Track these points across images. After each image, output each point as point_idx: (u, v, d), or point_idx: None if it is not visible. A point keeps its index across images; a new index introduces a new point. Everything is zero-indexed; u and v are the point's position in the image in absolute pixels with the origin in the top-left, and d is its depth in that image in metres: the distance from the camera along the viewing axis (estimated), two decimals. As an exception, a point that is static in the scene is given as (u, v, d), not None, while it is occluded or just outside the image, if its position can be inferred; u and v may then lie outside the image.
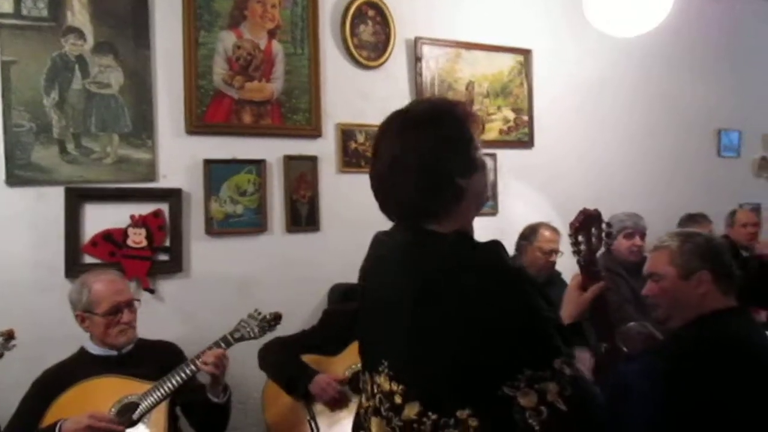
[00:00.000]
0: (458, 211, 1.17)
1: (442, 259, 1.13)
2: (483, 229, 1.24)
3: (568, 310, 1.54)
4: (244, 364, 2.49)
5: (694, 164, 4.53)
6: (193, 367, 2.10)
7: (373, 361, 1.23)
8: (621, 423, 1.48)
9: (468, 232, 1.20)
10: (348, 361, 2.36)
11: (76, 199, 2.58)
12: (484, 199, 1.27)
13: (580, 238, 1.59)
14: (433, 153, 1.14)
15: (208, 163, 2.81)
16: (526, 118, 3.72)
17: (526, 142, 3.73)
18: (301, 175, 3.02)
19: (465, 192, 1.16)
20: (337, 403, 2.28)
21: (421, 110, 1.22)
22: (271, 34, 2.98)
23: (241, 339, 2.23)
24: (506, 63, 3.65)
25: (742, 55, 4.78)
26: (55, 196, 2.56)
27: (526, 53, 3.71)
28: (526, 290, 1.09)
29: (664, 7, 3.16)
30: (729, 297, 1.79)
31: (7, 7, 2.50)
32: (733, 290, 1.80)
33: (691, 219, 3.91)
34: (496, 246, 1.15)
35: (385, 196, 1.21)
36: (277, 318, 2.31)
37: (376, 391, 1.21)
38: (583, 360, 1.36)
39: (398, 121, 1.21)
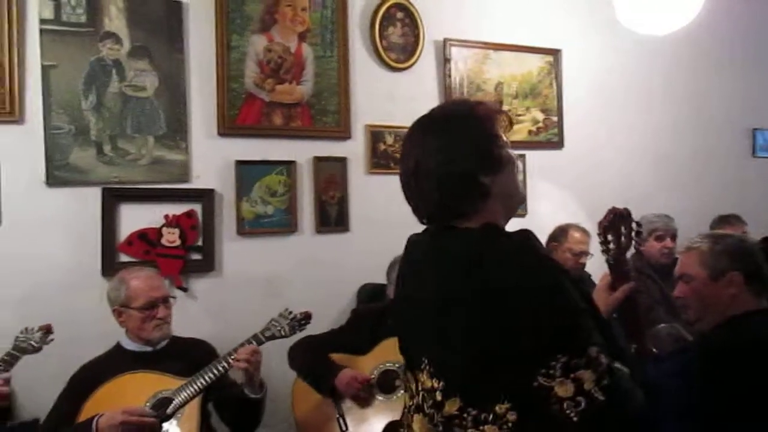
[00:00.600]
0: (485, 209, 1.18)
1: (470, 250, 1.14)
2: (512, 230, 1.25)
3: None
4: (274, 362, 2.52)
5: (727, 164, 4.45)
6: (225, 363, 2.14)
7: (414, 360, 1.24)
8: (651, 423, 1.48)
9: (497, 225, 1.19)
10: (376, 360, 2.38)
11: (113, 199, 2.65)
12: (518, 200, 1.26)
13: (609, 237, 1.59)
14: (453, 153, 1.16)
15: (239, 164, 2.87)
16: (555, 118, 3.70)
17: (555, 142, 3.71)
18: (331, 176, 3.06)
19: (490, 190, 1.17)
20: (361, 400, 2.31)
21: (442, 113, 1.24)
22: (301, 37, 3.02)
23: (272, 337, 2.26)
24: (535, 63, 3.64)
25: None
26: (93, 196, 2.63)
27: (555, 53, 3.69)
28: (557, 277, 1.07)
29: (695, 5, 3.13)
30: (761, 299, 1.77)
31: (48, 14, 2.57)
32: (765, 292, 1.78)
33: (723, 220, 3.84)
34: (526, 233, 1.14)
35: (413, 199, 1.23)
36: (307, 317, 2.34)
37: (420, 388, 1.22)
38: None
39: (420, 125, 1.23)
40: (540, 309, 1.04)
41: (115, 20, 2.68)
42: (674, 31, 3.30)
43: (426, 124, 1.23)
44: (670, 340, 1.93)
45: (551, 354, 1.02)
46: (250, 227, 2.89)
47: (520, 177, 3.60)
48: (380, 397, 2.33)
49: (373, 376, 2.36)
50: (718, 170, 4.38)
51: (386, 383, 2.35)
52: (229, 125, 2.86)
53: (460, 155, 1.16)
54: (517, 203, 1.27)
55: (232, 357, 2.14)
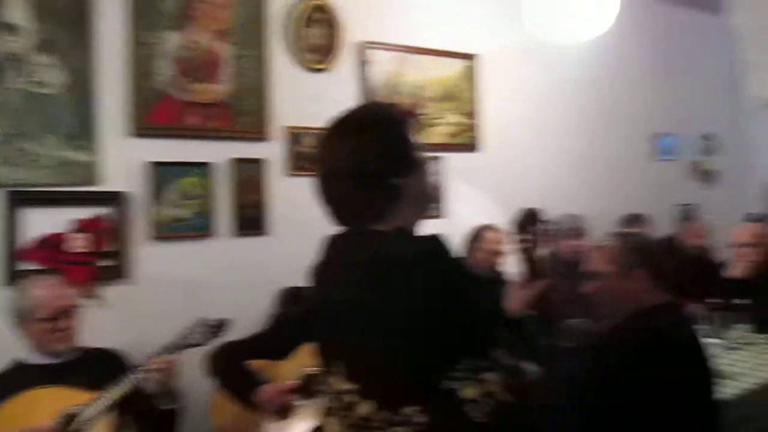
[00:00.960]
0: (398, 212, 1.19)
1: (382, 255, 1.14)
2: (430, 232, 1.26)
3: (512, 306, 1.58)
4: (191, 371, 2.45)
5: (634, 167, 4.70)
6: (139, 374, 2.06)
7: (328, 363, 1.24)
8: (562, 415, 1.53)
9: (409, 229, 1.21)
10: (297, 365, 2.34)
11: (15, 203, 2.49)
12: (429, 201, 1.29)
13: (522, 236, 1.64)
14: (366, 155, 1.16)
15: (153, 165, 2.76)
16: (472, 122, 3.79)
17: (472, 145, 3.79)
18: (249, 178, 3.00)
19: (402, 192, 1.18)
20: (284, 412, 2.26)
21: (355, 115, 1.24)
22: (218, 35, 2.94)
23: (187, 346, 2.19)
24: (453, 68, 3.71)
25: (679, 62, 4.99)
26: (-8, 200, 2.47)
27: (472, 58, 3.77)
28: (463, 281, 1.11)
29: (607, 17, 3.28)
30: (664, 293, 1.87)
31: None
32: (668, 287, 1.88)
33: (629, 220, 4.06)
34: (435, 238, 1.15)
35: (327, 202, 1.23)
36: (223, 324, 2.28)
37: (334, 392, 1.22)
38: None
39: (334, 128, 1.23)
40: (447, 312, 1.06)
41: (15, 10, 2.52)
42: (583, 41, 3.46)
43: (340, 126, 1.23)
44: (581, 333, 2.01)
45: (457, 357, 1.04)
46: (165, 231, 2.79)
47: (435, 179, 3.67)
48: (304, 402, 2.30)
49: (295, 382, 2.32)
50: (625, 173, 4.62)
51: (308, 388, 2.32)
52: (142, 125, 2.75)
53: (373, 157, 1.17)
54: (429, 205, 1.29)
55: (147, 367, 2.06)
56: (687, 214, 4.91)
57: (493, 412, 1.03)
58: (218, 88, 2.93)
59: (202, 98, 2.89)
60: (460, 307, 1.07)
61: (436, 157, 3.63)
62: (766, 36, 3.38)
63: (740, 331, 2.96)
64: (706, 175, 5.30)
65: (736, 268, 3.23)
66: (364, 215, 1.19)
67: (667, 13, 4.96)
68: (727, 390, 2.23)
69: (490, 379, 1.04)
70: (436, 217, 3.55)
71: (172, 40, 2.83)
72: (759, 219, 4.87)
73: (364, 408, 1.13)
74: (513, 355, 1.09)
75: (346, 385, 1.17)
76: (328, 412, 1.24)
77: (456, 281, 1.10)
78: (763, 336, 2.93)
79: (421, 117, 3.56)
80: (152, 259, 2.77)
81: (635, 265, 1.85)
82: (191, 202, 2.85)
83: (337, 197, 1.20)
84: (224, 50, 2.95)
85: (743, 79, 5.19)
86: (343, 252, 1.23)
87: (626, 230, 3.81)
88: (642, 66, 4.74)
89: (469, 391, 1.03)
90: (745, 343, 2.92)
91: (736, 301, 3.00)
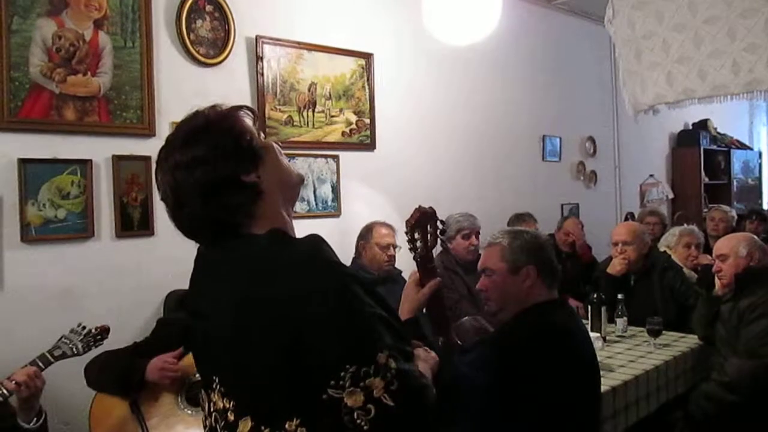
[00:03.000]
0: (264, 209, 1.14)
1: (257, 262, 1.09)
2: (326, 231, 1.22)
3: (406, 306, 1.57)
4: (69, 383, 2.28)
5: (522, 168, 4.89)
6: (4, 390, 1.88)
7: (206, 379, 1.18)
8: (455, 413, 1.54)
9: (284, 229, 1.15)
10: (184, 372, 2.24)
11: None
12: (295, 182, 1.22)
13: (416, 235, 1.63)
14: (205, 164, 1.10)
15: (23, 162, 2.55)
16: (367, 120, 3.78)
17: (368, 144, 3.79)
18: (133, 177, 2.83)
19: (259, 186, 1.13)
20: (172, 420, 2.15)
21: (181, 130, 1.16)
22: (98, 24, 2.76)
23: (63, 356, 2.04)
24: (348, 66, 3.69)
25: (564, 67, 5.24)
26: None
27: (367, 57, 3.77)
28: (344, 284, 1.05)
29: (491, 18, 3.36)
30: (552, 290, 1.93)
31: None
32: (556, 284, 1.95)
33: (518, 218, 4.20)
34: (315, 239, 1.11)
35: (184, 228, 1.16)
36: (103, 332, 2.15)
37: (212, 409, 1.16)
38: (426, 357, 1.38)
39: (165, 150, 1.16)
40: (328, 318, 1.02)
41: None
42: (475, 42, 3.54)
43: (170, 145, 1.15)
44: (474, 331, 2.04)
45: (340, 365, 1.00)
46: (37, 234, 2.58)
47: (319, 178, 3.61)
48: (189, 411, 2.19)
49: (181, 394, 2.21)
50: (515, 172, 4.79)
51: (196, 396, 2.21)
52: (11, 119, 2.53)
53: (214, 164, 1.10)
54: (295, 185, 1.23)
55: (10, 380, 1.89)
56: (570, 214, 5.17)
57: (376, 418, 0.99)
58: (97, 81, 2.74)
59: (79, 91, 2.69)
60: (344, 311, 1.03)
61: (333, 156, 3.61)
62: (637, 46, 3.59)
63: (618, 326, 3.14)
64: (588, 176, 5.60)
65: (615, 265, 3.42)
66: (228, 225, 1.13)
67: (556, 20, 5.20)
68: (606, 382, 2.35)
69: (374, 385, 1.00)
70: (333, 216, 3.53)
71: (46, 28, 2.62)
72: (636, 218, 5.23)
73: (244, 426, 1.07)
74: (399, 358, 1.04)
75: (223, 402, 1.12)
76: (210, 430, 1.18)
77: (339, 283, 1.05)
78: (638, 329, 3.11)
79: (319, 114, 3.52)
80: (23, 264, 2.56)
81: (525, 262, 1.90)
82: (68, 201, 2.66)
83: (193, 217, 1.12)
84: (104, 41, 2.77)
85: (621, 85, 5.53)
86: (217, 261, 1.16)
87: (517, 228, 3.95)
88: (531, 69, 4.93)
89: (352, 400, 0.99)
90: (622, 337, 3.10)
91: (618, 296, 3.18)
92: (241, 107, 1.20)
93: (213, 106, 1.18)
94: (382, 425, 1.00)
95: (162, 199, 1.16)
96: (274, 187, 1.15)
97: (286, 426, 1.03)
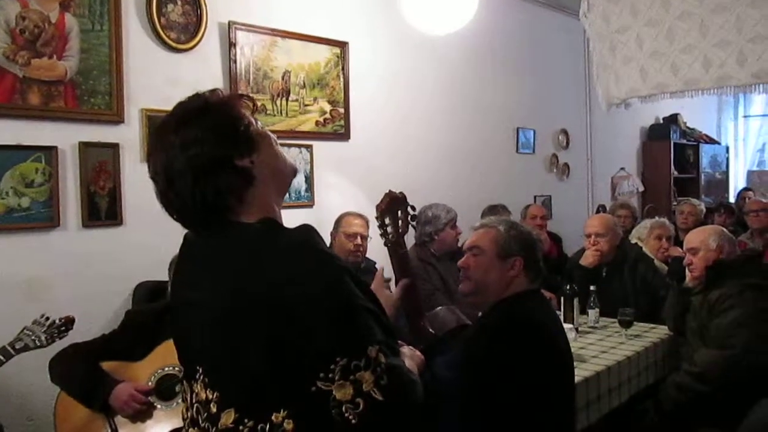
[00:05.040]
0: (256, 196, 1.12)
1: (248, 251, 1.07)
2: (299, 221, 1.19)
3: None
4: (34, 377, 2.22)
5: (496, 159, 4.90)
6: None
7: (189, 369, 1.16)
8: (435, 413, 1.53)
9: (274, 218, 1.14)
10: (153, 365, 2.19)
11: None
12: (288, 172, 1.21)
13: (387, 220, 1.62)
14: (201, 145, 1.08)
15: (-16, 148, 2.46)
16: (342, 110, 3.74)
17: (342, 134, 3.75)
18: (101, 164, 2.75)
19: (252, 172, 1.12)
20: (141, 415, 2.10)
21: (179, 110, 1.16)
22: (64, 6, 2.66)
23: (25, 349, 1.98)
24: (323, 54, 3.64)
25: (539, 60, 5.25)
26: None
27: (342, 45, 3.72)
28: (337, 275, 1.04)
29: (468, 9, 3.35)
30: (533, 285, 1.94)
31: None
32: (538, 280, 1.95)
33: (492, 210, 4.20)
34: (306, 229, 1.10)
35: (172, 207, 1.13)
36: (68, 323, 2.08)
37: (194, 400, 1.14)
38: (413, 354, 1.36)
39: (160, 128, 1.15)
40: (319, 310, 1.01)
41: None
42: (451, 33, 3.52)
43: (166, 125, 1.14)
44: (447, 320, 2.02)
45: (331, 357, 0.99)
46: (0, 222, 2.50)
47: (304, 167, 3.57)
48: (159, 406, 2.14)
49: (151, 384, 2.16)
50: (489, 164, 4.80)
51: (166, 390, 2.17)
52: (-29, 103, 2.44)
53: (209, 144, 1.09)
54: (288, 176, 1.22)
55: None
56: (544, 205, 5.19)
57: (364, 412, 0.99)
58: (64, 65, 2.65)
59: (44, 75, 2.60)
60: (335, 303, 1.02)
61: (307, 146, 3.56)
62: (611, 40, 3.61)
63: (590, 317, 3.17)
64: (561, 169, 5.63)
65: (588, 256, 3.45)
66: (219, 209, 1.11)
67: (533, 12, 5.20)
68: (579, 373, 2.36)
69: (364, 379, 1.00)
70: (307, 206, 3.49)
71: (9, 8, 2.52)
72: (607, 210, 5.28)
73: (228, 417, 1.05)
74: (388, 353, 1.03)
75: (207, 393, 1.10)
76: (188, 423, 1.16)
77: (330, 275, 1.04)
78: (610, 320, 3.14)
79: (293, 103, 3.47)
80: (-17, 254, 2.47)
81: (515, 252, 1.90)
82: (32, 190, 2.57)
83: (183, 198, 1.10)
84: (71, 23, 2.68)
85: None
86: (206, 249, 1.14)
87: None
88: (506, 61, 4.93)
89: (341, 393, 0.99)
90: (594, 328, 3.12)
91: (590, 288, 3.20)
92: (241, 95, 1.20)
93: (213, 90, 1.17)
94: (371, 419, 1.00)
95: (151, 177, 1.14)
96: (266, 175, 1.14)
97: (273, 418, 1.01)
